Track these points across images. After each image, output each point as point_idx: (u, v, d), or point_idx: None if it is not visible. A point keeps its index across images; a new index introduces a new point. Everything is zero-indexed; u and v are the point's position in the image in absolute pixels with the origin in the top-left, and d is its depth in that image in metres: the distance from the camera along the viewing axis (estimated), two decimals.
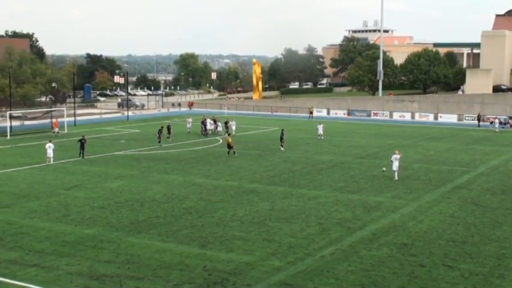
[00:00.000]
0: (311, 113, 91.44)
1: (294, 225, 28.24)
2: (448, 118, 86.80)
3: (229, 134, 59.41)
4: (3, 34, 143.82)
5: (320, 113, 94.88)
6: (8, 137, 62.43)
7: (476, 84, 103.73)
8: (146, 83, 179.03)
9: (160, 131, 57.33)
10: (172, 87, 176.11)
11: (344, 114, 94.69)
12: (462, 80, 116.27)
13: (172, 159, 48.51)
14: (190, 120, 68.79)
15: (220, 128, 66.15)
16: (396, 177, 39.73)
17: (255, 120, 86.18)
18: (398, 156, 40.38)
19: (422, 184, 38.52)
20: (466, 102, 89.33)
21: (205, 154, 50.89)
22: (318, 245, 25.28)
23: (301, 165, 45.76)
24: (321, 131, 62.85)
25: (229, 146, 50.16)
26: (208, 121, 66.98)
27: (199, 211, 30.99)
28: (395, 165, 39.89)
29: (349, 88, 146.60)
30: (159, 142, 56.64)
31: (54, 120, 68.53)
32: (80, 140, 49.56)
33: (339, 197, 34.58)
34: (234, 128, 65.58)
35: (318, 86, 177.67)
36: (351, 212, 31.02)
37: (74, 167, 44.43)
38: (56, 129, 65.51)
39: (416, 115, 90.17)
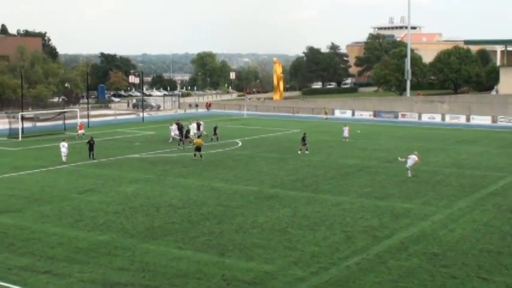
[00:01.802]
0: (325, 113, 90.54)
1: (317, 233, 27.52)
2: (481, 120, 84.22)
3: (198, 136, 56.65)
4: (15, 33, 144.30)
5: (344, 114, 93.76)
6: (20, 139, 62.03)
7: (511, 83, 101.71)
8: (162, 83, 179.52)
9: (181, 132, 56.73)
10: (189, 88, 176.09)
11: (370, 115, 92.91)
12: (496, 79, 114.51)
13: (189, 162, 47.79)
14: (173, 127, 60.92)
15: (174, 132, 60.32)
16: (409, 175, 40.95)
17: (276, 121, 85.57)
18: (416, 157, 41.35)
19: (454, 190, 37.36)
20: (500, 102, 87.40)
21: (223, 157, 50.15)
22: (342, 254, 24.58)
23: (325, 169, 44.80)
24: (346, 133, 61.60)
25: (198, 149, 48.74)
26: (172, 127, 61.02)
27: (218, 217, 30.38)
28: (409, 162, 41.15)
29: (375, 88, 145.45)
30: (181, 144, 56.13)
31: (78, 122, 68.03)
32: (89, 142, 49.53)
33: (364, 203, 33.67)
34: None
35: (342, 86, 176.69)
36: (377, 219, 30.13)
37: (87, 170, 43.98)
38: (81, 132, 64.13)
39: (447, 117, 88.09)
